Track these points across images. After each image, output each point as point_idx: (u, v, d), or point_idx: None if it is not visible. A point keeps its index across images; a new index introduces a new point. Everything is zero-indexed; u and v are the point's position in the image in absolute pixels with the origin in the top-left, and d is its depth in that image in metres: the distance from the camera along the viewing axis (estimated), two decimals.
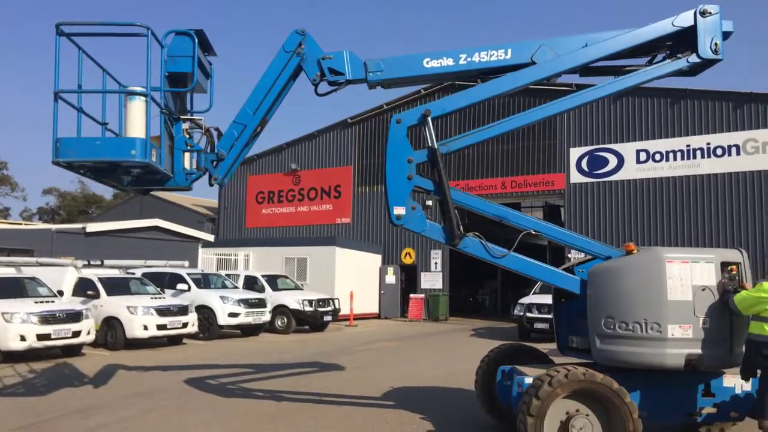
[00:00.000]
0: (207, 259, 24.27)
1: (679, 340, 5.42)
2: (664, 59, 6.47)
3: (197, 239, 23.23)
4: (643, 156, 21.66)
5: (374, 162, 26.92)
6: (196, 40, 6.47)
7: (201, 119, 6.83)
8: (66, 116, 6.13)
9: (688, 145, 20.96)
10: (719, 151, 20.38)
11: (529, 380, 5.75)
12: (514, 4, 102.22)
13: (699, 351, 5.40)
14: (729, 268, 5.64)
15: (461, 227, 6.18)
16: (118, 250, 19.27)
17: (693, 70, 6.37)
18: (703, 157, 20.64)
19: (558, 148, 22.96)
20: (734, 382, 5.77)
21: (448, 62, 6.55)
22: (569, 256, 20.87)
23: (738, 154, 19.99)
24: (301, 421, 7.35)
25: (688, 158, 20.91)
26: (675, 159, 21.12)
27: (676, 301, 5.46)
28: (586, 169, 22.54)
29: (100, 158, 5.88)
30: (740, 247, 18.75)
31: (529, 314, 16.49)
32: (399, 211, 6.25)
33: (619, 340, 5.59)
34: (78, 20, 6.27)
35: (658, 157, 21.40)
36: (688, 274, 5.52)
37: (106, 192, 68.85)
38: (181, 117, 6.75)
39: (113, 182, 6.63)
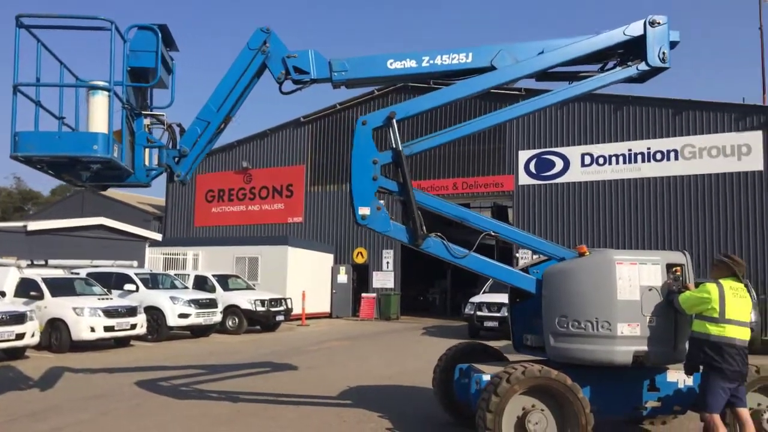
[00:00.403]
0: (154, 259, 23.71)
1: (628, 337, 5.70)
2: (615, 66, 6.80)
3: (144, 238, 22.68)
4: (587, 159, 22.42)
5: (327, 161, 26.91)
6: (160, 35, 6.40)
7: (163, 115, 6.77)
8: (20, 109, 5.96)
9: (629, 150, 21.81)
10: (659, 156, 21.30)
11: (486, 378, 5.94)
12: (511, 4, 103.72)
13: (646, 348, 5.69)
14: (673, 269, 5.96)
15: (424, 228, 6.32)
16: (61, 250, 18.62)
17: (642, 77, 6.73)
18: (644, 161, 21.52)
19: (507, 150, 23.51)
20: (677, 377, 6.11)
21: (411, 64, 6.70)
22: (517, 255, 21.43)
23: (676, 158, 20.94)
24: (258, 422, 7.35)
25: (630, 162, 21.76)
26: (618, 163, 21.94)
27: (625, 301, 5.74)
28: (533, 171, 23.17)
29: (60, 153, 5.77)
30: (681, 248, 19.64)
31: (479, 313, 16.87)
32: (364, 211, 6.35)
33: (571, 338, 5.83)
34: (38, 12, 6.10)
35: (601, 160, 22.20)
36: (636, 275, 5.82)
37: (43, 188, 66.37)
38: (143, 112, 6.68)
39: (71, 178, 6.50)
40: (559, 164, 22.76)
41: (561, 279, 6.00)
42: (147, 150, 6.64)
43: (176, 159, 6.64)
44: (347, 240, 25.96)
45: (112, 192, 34.77)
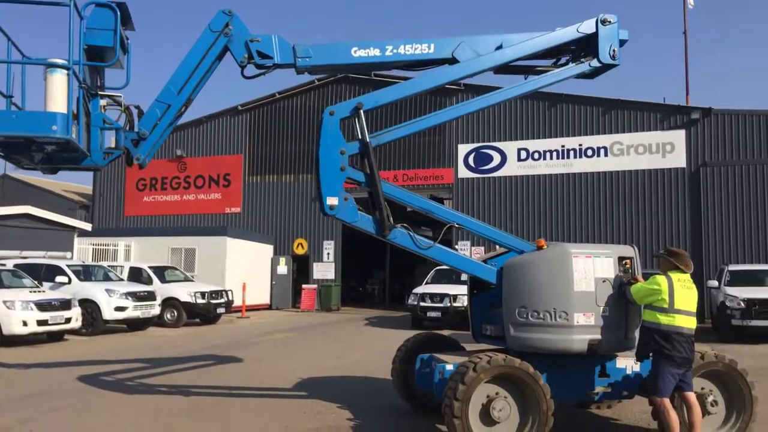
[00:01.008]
0: (82, 250, 22.70)
1: (583, 326, 6.00)
2: (567, 62, 7.14)
3: (72, 228, 21.66)
4: (523, 154, 23.14)
5: (266, 151, 26.54)
6: (119, 13, 6.19)
7: (120, 96, 6.55)
8: None
9: (562, 146, 22.66)
10: (589, 152, 22.24)
11: (450, 367, 6.11)
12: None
13: (599, 336, 6.01)
14: (624, 262, 6.32)
15: (391, 219, 6.40)
16: None
17: (593, 74, 7.07)
18: (575, 157, 22.41)
19: (447, 144, 23.92)
20: (626, 363, 6.47)
21: (374, 53, 6.80)
22: (456, 247, 21.88)
23: (606, 155, 21.93)
24: (218, 414, 7.27)
25: (563, 158, 22.62)
26: (551, 158, 22.76)
27: (581, 292, 6.03)
28: (472, 164, 23.69)
29: (17, 133, 5.53)
30: (609, 239, 20.55)
31: (422, 303, 17.16)
32: (332, 201, 6.36)
33: (531, 327, 6.08)
34: None
35: (536, 155, 22.96)
36: (591, 268, 6.12)
37: None
38: (99, 93, 6.44)
39: (24, 159, 6.21)
40: (497, 158, 23.38)
41: (521, 271, 6.23)
42: (101, 132, 6.42)
43: (134, 142, 6.47)
44: (287, 231, 25.75)
45: (34, 179, 32.95)
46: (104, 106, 6.50)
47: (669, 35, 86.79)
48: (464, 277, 17.86)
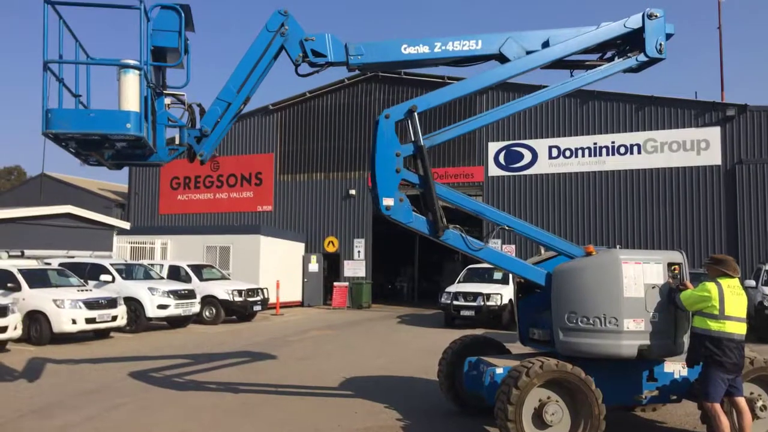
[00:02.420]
0: (120, 248, 23.29)
1: (633, 332, 6.11)
2: (613, 56, 7.25)
3: (112, 227, 22.23)
4: (554, 152, 23.07)
5: (296, 149, 26.84)
6: (183, 15, 6.45)
7: (183, 95, 6.81)
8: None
9: (595, 143, 22.54)
10: (622, 150, 22.10)
11: (500, 371, 6.29)
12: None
13: (649, 342, 6.12)
14: (672, 267, 6.40)
15: (444, 220, 6.56)
16: (27, 239, 18.15)
17: (639, 68, 7.19)
18: (608, 154, 22.29)
19: (477, 142, 23.95)
20: (673, 368, 6.58)
21: (424, 49, 6.99)
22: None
23: (639, 152, 21.77)
24: (270, 411, 7.55)
25: (595, 155, 22.50)
26: (583, 156, 22.66)
27: (630, 298, 6.14)
28: (503, 162, 23.70)
29: (93, 131, 5.79)
30: (644, 239, 20.45)
31: (455, 302, 17.28)
32: (388, 202, 6.54)
33: (580, 332, 6.21)
34: None
35: (568, 153, 22.88)
36: (641, 274, 6.23)
37: None
38: (164, 92, 6.71)
39: (96, 156, 6.49)
40: (528, 156, 23.35)
41: (570, 277, 6.36)
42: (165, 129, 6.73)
43: (197, 138, 6.73)
44: (318, 229, 26.05)
45: (72, 177, 33.85)
46: (168, 105, 6.78)
47: (700, 30, 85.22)
48: (497, 275, 18.17)
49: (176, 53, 6.56)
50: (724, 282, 5.90)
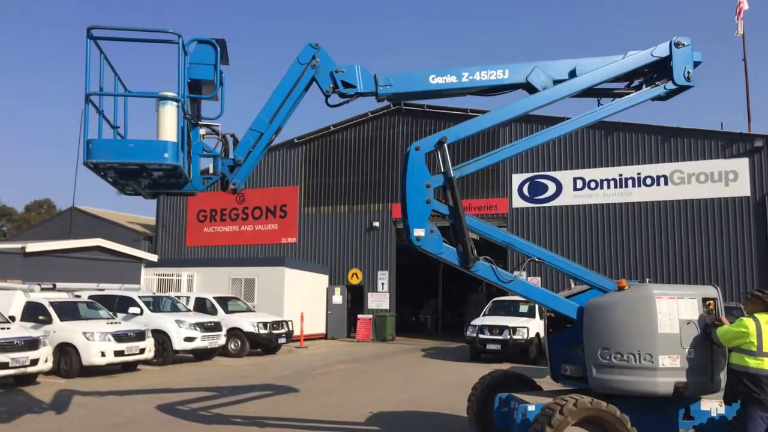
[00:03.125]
0: (148, 280, 23.56)
1: (669, 369, 6.00)
2: (640, 84, 7.28)
3: (140, 259, 22.54)
4: (579, 183, 22.98)
5: (321, 182, 27.10)
6: (218, 49, 6.64)
7: (217, 125, 6.96)
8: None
9: (620, 175, 22.42)
10: (649, 181, 21.93)
11: (532, 408, 6.20)
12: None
13: (685, 379, 6.00)
14: (707, 303, 6.31)
15: (475, 251, 6.54)
16: (57, 271, 18.47)
17: (668, 96, 7.21)
18: (634, 186, 22.13)
19: (501, 173, 23.98)
20: (710, 406, 6.43)
21: (451, 79, 7.07)
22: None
23: (666, 184, 21.58)
24: None
25: (621, 187, 22.36)
26: (609, 187, 22.53)
27: (665, 334, 6.05)
28: (527, 194, 23.64)
29: (132, 160, 5.93)
30: (674, 271, 20.12)
31: (481, 335, 17.09)
32: (419, 232, 6.55)
33: (614, 369, 6.12)
34: (109, 25, 6.24)
35: (593, 184, 22.77)
36: (675, 309, 6.14)
37: (17, 204, 65.28)
38: (199, 123, 6.88)
39: (134, 185, 6.64)
40: (552, 188, 23.28)
41: (603, 312, 6.28)
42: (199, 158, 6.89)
43: (230, 168, 6.86)
44: (342, 261, 26.11)
45: (101, 211, 34.48)
46: (203, 135, 6.93)
47: (725, 61, 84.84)
48: (523, 308, 17.98)
49: (211, 86, 6.76)
50: (762, 317, 5.78)
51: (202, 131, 6.92)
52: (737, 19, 22.57)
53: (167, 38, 6.25)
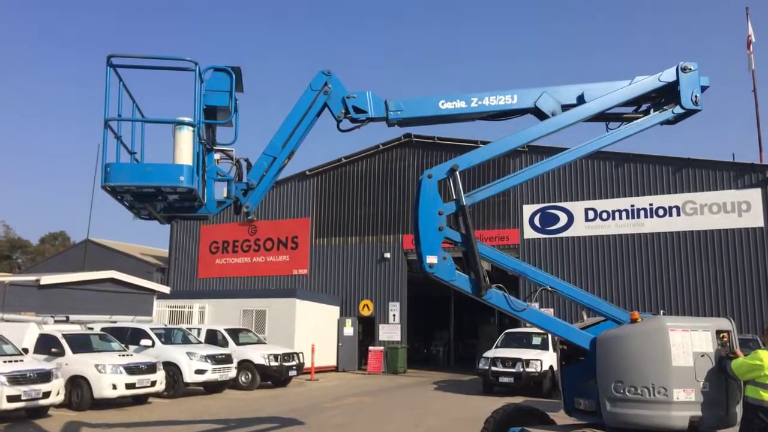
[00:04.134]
0: (159, 312, 23.61)
1: (684, 403, 5.93)
2: (648, 109, 7.35)
3: (152, 291, 22.64)
4: (591, 214, 22.91)
5: (332, 214, 27.22)
6: (234, 76, 6.78)
7: (232, 150, 7.09)
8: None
9: (632, 205, 22.34)
10: (661, 212, 21.83)
11: None
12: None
13: (701, 413, 5.92)
14: (721, 335, 6.25)
15: (487, 279, 6.54)
16: (71, 303, 18.58)
17: (676, 120, 7.27)
18: (646, 216, 22.02)
19: (512, 204, 23.98)
20: None
21: (460, 104, 7.20)
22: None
23: (678, 214, 21.47)
24: None
25: (633, 218, 22.26)
26: (621, 218, 22.43)
27: (679, 367, 5.99)
28: (538, 225, 23.59)
29: (149, 183, 6.04)
30: (688, 302, 19.88)
31: (494, 368, 16.91)
32: (432, 260, 6.58)
33: (628, 403, 6.05)
34: (128, 53, 6.44)
35: (605, 215, 22.69)
36: (689, 342, 6.09)
37: (32, 237, 65.89)
38: (214, 148, 7.00)
39: (147, 208, 6.72)
40: (564, 218, 23.23)
41: (616, 344, 6.24)
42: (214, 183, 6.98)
43: (244, 191, 6.96)
44: (353, 292, 26.06)
45: (115, 243, 34.78)
46: (218, 160, 7.07)
47: (735, 90, 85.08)
48: (536, 340, 17.81)
49: (226, 112, 6.92)
50: None
51: (216, 156, 7.08)
52: (749, 52, 22.69)
53: (184, 66, 6.42)
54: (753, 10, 22.82)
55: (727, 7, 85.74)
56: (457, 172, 6.80)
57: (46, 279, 18.57)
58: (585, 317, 7.48)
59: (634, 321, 6.37)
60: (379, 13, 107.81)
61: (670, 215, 21.60)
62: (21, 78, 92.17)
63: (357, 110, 7.14)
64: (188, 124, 6.30)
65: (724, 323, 6.36)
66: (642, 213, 22.09)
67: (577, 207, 23.10)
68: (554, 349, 16.12)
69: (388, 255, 25.62)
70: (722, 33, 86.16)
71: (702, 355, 6.05)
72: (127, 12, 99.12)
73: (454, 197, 6.79)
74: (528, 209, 23.84)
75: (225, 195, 6.98)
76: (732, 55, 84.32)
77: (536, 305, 22.23)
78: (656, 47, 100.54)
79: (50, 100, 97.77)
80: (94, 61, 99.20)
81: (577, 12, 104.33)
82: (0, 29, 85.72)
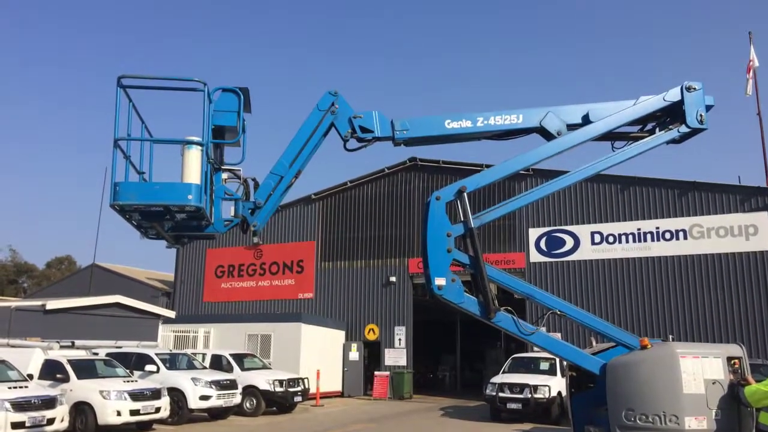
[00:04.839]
0: (165, 336, 23.51)
1: (696, 431, 5.84)
2: (653, 128, 7.37)
3: (157, 315, 22.58)
4: (597, 238, 22.84)
5: (337, 238, 27.23)
6: (242, 97, 6.85)
7: (239, 170, 7.08)
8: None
9: (638, 229, 22.27)
10: (668, 235, 21.74)
11: None
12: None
13: None
14: (732, 362, 6.18)
15: (496, 302, 6.50)
16: (77, 328, 18.53)
17: (682, 139, 7.27)
18: (653, 240, 21.93)
19: (518, 227, 23.94)
20: None
21: (466, 124, 7.20)
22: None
23: (685, 238, 21.38)
24: None
25: (640, 241, 22.17)
26: (627, 241, 22.35)
27: (691, 395, 5.92)
28: (544, 248, 23.52)
29: (158, 202, 6.04)
30: (697, 326, 19.73)
31: (501, 394, 16.71)
32: (440, 281, 6.54)
33: (639, 431, 5.96)
34: (138, 74, 6.49)
35: (611, 239, 22.61)
36: (700, 369, 6.02)
37: (38, 261, 66.00)
38: (222, 168, 7.02)
39: (155, 227, 6.71)
40: (570, 242, 23.16)
41: (626, 371, 6.18)
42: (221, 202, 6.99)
43: (251, 210, 6.96)
44: (358, 316, 25.93)
45: (120, 267, 34.84)
46: (225, 179, 7.06)
47: (739, 113, 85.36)
48: (544, 365, 17.63)
49: (234, 132, 6.95)
50: None
51: (224, 176, 7.08)
52: (748, 76, 22.78)
53: (193, 86, 6.46)
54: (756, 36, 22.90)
55: (733, 31, 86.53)
56: (465, 194, 6.81)
57: (52, 304, 18.56)
58: (594, 343, 7.42)
59: (644, 347, 6.31)
60: (384, 39, 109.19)
61: (677, 239, 21.51)
62: (26, 100, 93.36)
63: (363, 130, 7.16)
64: (197, 143, 6.34)
65: (736, 349, 6.30)
66: (649, 236, 22.01)
67: (583, 230, 23.04)
68: (562, 375, 15.96)
69: (393, 279, 25.55)
70: (727, 56, 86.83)
71: (713, 382, 5.98)
72: (130, 37, 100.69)
73: (462, 219, 6.78)
74: (534, 233, 23.79)
75: (232, 214, 7.00)
76: (738, 79, 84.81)
77: (544, 329, 22.09)
78: (661, 71, 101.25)
79: (56, 124, 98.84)
80: (99, 84, 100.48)
81: (576, 37, 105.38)
82: (6, 52, 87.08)
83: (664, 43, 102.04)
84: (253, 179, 7.17)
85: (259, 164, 7.58)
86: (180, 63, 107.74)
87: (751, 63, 22.65)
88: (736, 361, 6.19)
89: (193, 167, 6.28)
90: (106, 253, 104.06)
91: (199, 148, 6.33)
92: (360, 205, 27.25)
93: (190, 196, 6.02)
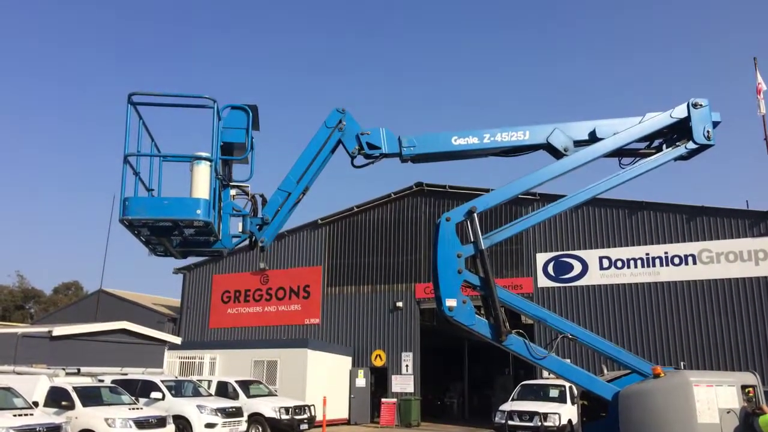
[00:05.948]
0: (170, 363, 23.38)
1: None
2: (660, 144, 7.40)
3: (164, 342, 22.46)
4: (605, 263, 22.70)
5: (344, 263, 27.17)
6: (250, 114, 6.88)
7: (247, 186, 7.12)
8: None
9: (647, 254, 22.13)
10: (677, 260, 21.59)
11: None
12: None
13: None
14: (746, 390, 6.08)
15: (507, 325, 6.43)
16: (82, 355, 18.43)
17: (689, 155, 7.29)
18: (662, 265, 21.78)
19: (525, 252, 23.84)
20: None
21: (473, 140, 7.23)
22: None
23: (695, 263, 21.22)
24: None
25: (648, 266, 22.02)
26: (636, 266, 22.20)
27: (705, 424, 5.82)
28: (552, 273, 23.38)
29: (167, 216, 6.06)
30: (708, 352, 19.51)
31: (510, 422, 16.48)
32: (451, 303, 6.51)
33: None
34: (147, 91, 6.57)
35: (619, 264, 22.47)
36: (714, 398, 5.93)
37: (45, 287, 66.13)
38: (230, 184, 7.05)
39: (165, 243, 6.71)
40: (578, 267, 23.02)
41: (639, 401, 6.08)
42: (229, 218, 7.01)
43: (259, 226, 6.98)
44: (365, 342, 25.74)
45: (127, 293, 34.84)
46: (234, 196, 7.12)
47: (745, 136, 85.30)
48: (553, 392, 17.39)
49: (243, 149, 7.02)
50: None
51: (232, 192, 7.14)
52: (759, 98, 22.80)
53: (203, 103, 6.54)
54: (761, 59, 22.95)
55: (737, 55, 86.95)
56: (476, 214, 6.79)
57: (58, 330, 18.49)
58: (605, 371, 7.32)
59: (656, 376, 6.22)
60: (391, 55, 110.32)
61: (686, 263, 21.36)
62: (32, 126, 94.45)
63: (371, 146, 7.22)
64: (206, 159, 6.38)
65: (750, 378, 6.20)
66: (657, 261, 21.86)
67: (591, 255, 22.92)
68: (572, 402, 15.75)
69: (400, 304, 25.40)
70: (734, 79, 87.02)
71: (728, 412, 5.88)
72: (138, 54, 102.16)
73: (473, 239, 6.76)
74: (541, 257, 23.68)
75: (240, 230, 7.04)
76: (745, 101, 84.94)
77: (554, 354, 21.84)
78: (670, 90, 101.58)
79: (62, 147, 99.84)
80: (105, 105, 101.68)
81: (580, 54, 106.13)
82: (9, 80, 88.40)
83: (673, 65, 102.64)
84: (261, 195, 7.22)
85: (267, 181, 7.62)
86: (188, 83, 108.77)
87: (759, 85, 22.68)
88: (751, 389, 6.10)
89: (201, 183, 6.31)
90: (114, 279, 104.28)
91: (208, 163, 6.39)
92: (366, 230, 27.24)
93: (198, 211, 6.06)
